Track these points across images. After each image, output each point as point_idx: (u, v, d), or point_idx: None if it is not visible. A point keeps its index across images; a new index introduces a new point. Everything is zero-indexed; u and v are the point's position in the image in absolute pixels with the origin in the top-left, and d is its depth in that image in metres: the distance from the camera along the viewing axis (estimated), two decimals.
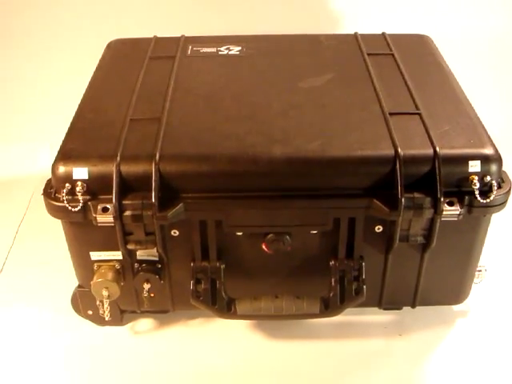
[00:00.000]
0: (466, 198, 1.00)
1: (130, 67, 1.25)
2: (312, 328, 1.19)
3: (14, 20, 1.64)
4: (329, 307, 1.06)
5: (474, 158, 1.00)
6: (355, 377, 1.12)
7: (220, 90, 1.18)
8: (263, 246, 1.06)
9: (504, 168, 1.03)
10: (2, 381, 1.11)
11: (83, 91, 1.19)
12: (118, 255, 1.07)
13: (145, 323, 1.21)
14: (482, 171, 1.00)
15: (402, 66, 1.24)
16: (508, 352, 1.15)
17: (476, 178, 0.99)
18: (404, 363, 1.14)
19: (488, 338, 1.18)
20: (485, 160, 1.00)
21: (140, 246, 1.04)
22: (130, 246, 1.04)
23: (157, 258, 1.08)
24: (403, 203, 0.98)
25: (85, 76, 1.24)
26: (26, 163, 1.67)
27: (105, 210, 0.99)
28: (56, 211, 1.01)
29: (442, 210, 0.99)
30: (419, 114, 1.09)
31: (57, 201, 1.00)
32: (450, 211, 0.99)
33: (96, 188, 1.00)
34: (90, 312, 1.17)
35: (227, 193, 1.01)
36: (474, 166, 1.00)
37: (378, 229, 1.05)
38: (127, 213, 0.99)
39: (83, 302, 1.16)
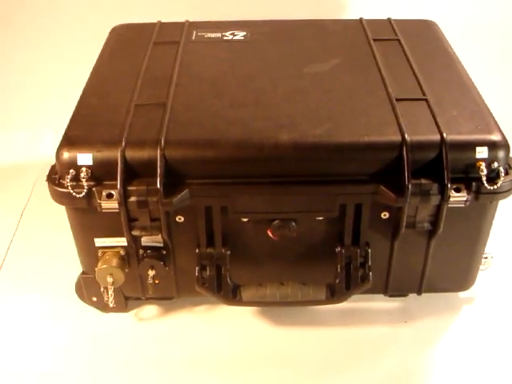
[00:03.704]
0: (473, 184, 0.99)
1: (135, 52, 1.24)
2: (317, 315, 1.19)
3: (16, 5, 1.62)
4: (335, 294, 1.06)
5: (481, 144, 0.99)
6: (360, 364, 1.12)
7: (225, 76, 1.17)
8: (269, 233, 1.05)
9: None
10: (8, 369, 1.11)
11: (87, 77, 1.19)
12: (122, 241, 1.07)
13: (149, 310, 1.21)
14: (489, 157, 0.99)
15: (408, 51, 1.23)
16: None
17: (483, 164, 0.98)
18: (409, 350, 1.14)
19: (494, 325, 1.18)
20: (492, 146, 0.99)
21: (145, 233, 1.04)
22: (135, 233, 1.03)
23: (162, 245, 1.08)
24: (410, 189, 0.97)
25: (89, 61, 1.23)
26: (29, 150, 1.66)
27: (109, 196, 0.98)
28: (60, 197, 1.01)
29: (449, 197, 0.98)
30: (426, 99, 1.08)
31: (61, 187, 1.00)
32: (457, 197, 0.99)
33: (101, 174, 0.99)
34: (95, 299, 1.17)
35: (233, 179, 1.00)
36: (482, 153, 0.99)
37: (385, 215, 1.04)
38: (132, 199, 0.98)
39: (87, 288, 1.16)
